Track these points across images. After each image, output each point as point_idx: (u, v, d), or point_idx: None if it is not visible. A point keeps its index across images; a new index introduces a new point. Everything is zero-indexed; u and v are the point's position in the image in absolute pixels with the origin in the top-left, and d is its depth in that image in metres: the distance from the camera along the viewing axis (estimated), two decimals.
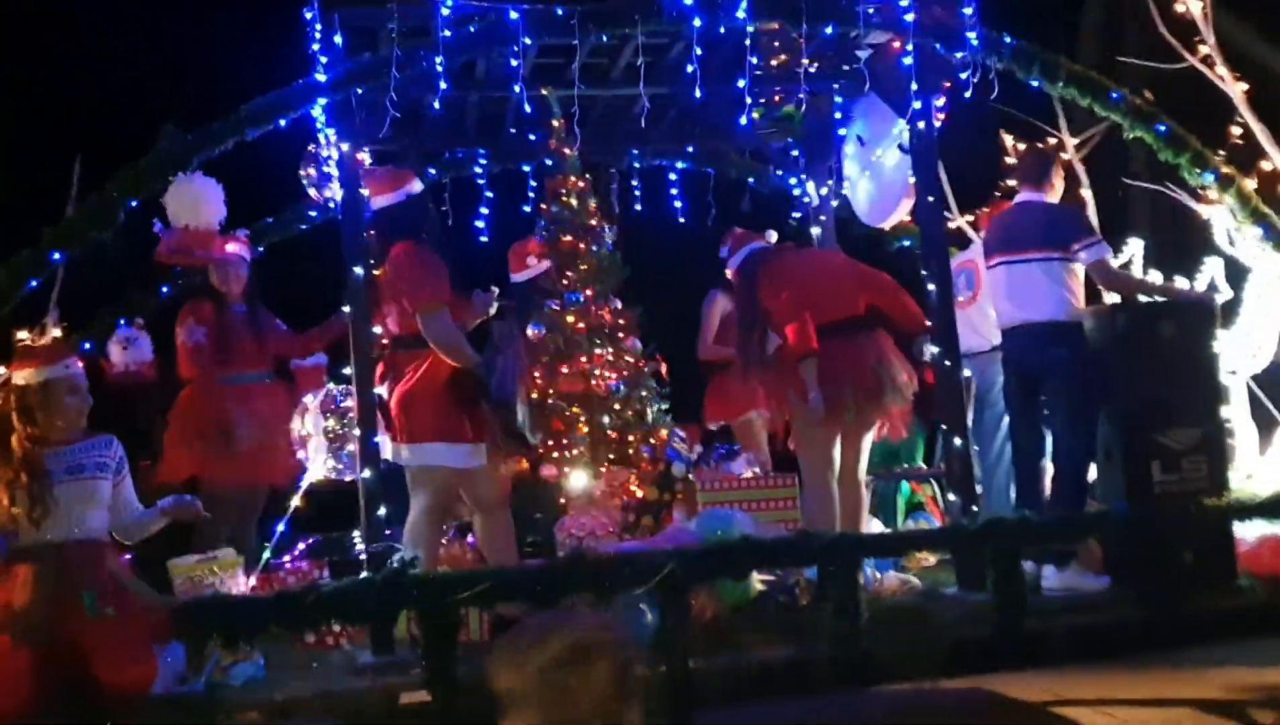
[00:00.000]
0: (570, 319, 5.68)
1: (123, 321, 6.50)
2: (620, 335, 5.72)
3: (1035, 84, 5.31)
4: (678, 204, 7.21)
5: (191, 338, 5.69)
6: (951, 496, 5.50)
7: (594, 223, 5.76)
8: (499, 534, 5.17)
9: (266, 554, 5.29)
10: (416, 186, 5.05)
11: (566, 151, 5.72)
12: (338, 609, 4.39)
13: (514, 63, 4.69)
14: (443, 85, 4.75)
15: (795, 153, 6.98)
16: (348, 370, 5.75)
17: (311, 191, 6.62)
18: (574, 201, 5.69)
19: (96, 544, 4.23)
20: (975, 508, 5.45)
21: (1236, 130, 5.84)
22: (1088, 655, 5.23)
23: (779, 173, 7.12)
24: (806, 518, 5.46)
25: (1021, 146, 6.84)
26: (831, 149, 6.61)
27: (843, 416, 5.48)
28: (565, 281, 5.71)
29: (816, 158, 6.73)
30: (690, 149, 6.96)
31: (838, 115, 6.48)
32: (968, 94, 5.21)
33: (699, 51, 4.96)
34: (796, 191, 7.09)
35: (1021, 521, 5.06)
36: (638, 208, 7.02)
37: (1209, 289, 6.05)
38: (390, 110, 4.73)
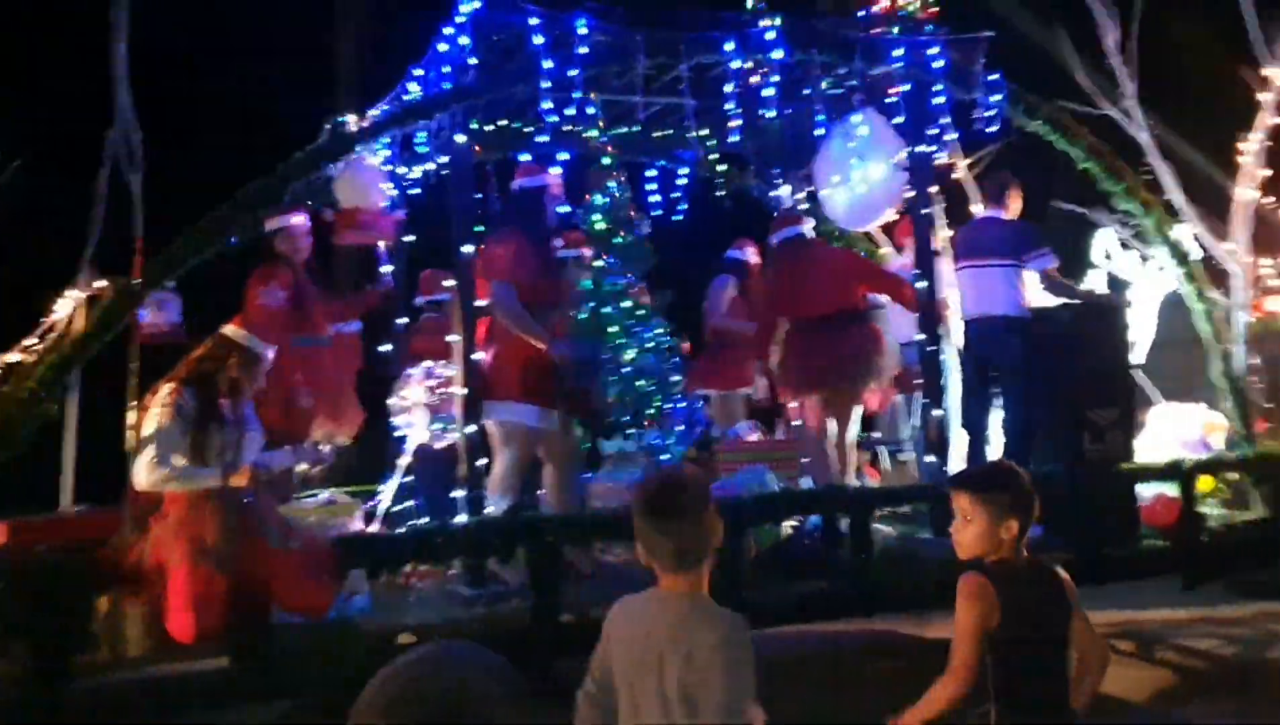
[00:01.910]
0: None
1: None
2: (650, 316, 6.52)
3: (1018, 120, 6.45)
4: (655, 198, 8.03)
5: (273, 300, 6.03)
6: (930, 458, 6.56)
7: (631, 214, 6.53)
8: (567, 487, 5.95)
9: (386, 503, 5.86)
10: (543, 180, 5.79)
11: (610, 149, 6.48)
12: (466, 545, 5.09)
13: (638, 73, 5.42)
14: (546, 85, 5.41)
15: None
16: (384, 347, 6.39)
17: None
18: (616, 195, 6.45)
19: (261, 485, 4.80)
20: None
21: (1146, 168, 7.13)
22: None
23: (754, 177, 8.07)
24: (810, 476, 6.49)
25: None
26: (808, 159, 7.63)
27: (825, 393, 6.57)
28: (605, 266, 6.47)
29: (793, 166, 7.74)
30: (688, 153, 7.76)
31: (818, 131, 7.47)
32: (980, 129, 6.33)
33: (777, 77, 5.82)
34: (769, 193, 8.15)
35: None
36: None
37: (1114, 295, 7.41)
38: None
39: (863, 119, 6.74)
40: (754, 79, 6.54)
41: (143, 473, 4.46)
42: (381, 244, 6.73)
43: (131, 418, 4.76)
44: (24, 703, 4.25)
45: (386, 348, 7.01)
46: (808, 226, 7.03)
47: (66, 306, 6.07)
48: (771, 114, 6.17)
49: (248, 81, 11.42)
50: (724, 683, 2.55)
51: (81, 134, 6.27)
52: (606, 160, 6.45)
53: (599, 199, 6.43)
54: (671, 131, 6.78)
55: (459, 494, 5.58)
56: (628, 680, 2.63)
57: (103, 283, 6.15)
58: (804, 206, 7.82)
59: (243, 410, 4.68)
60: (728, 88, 6.05)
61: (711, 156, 7.73)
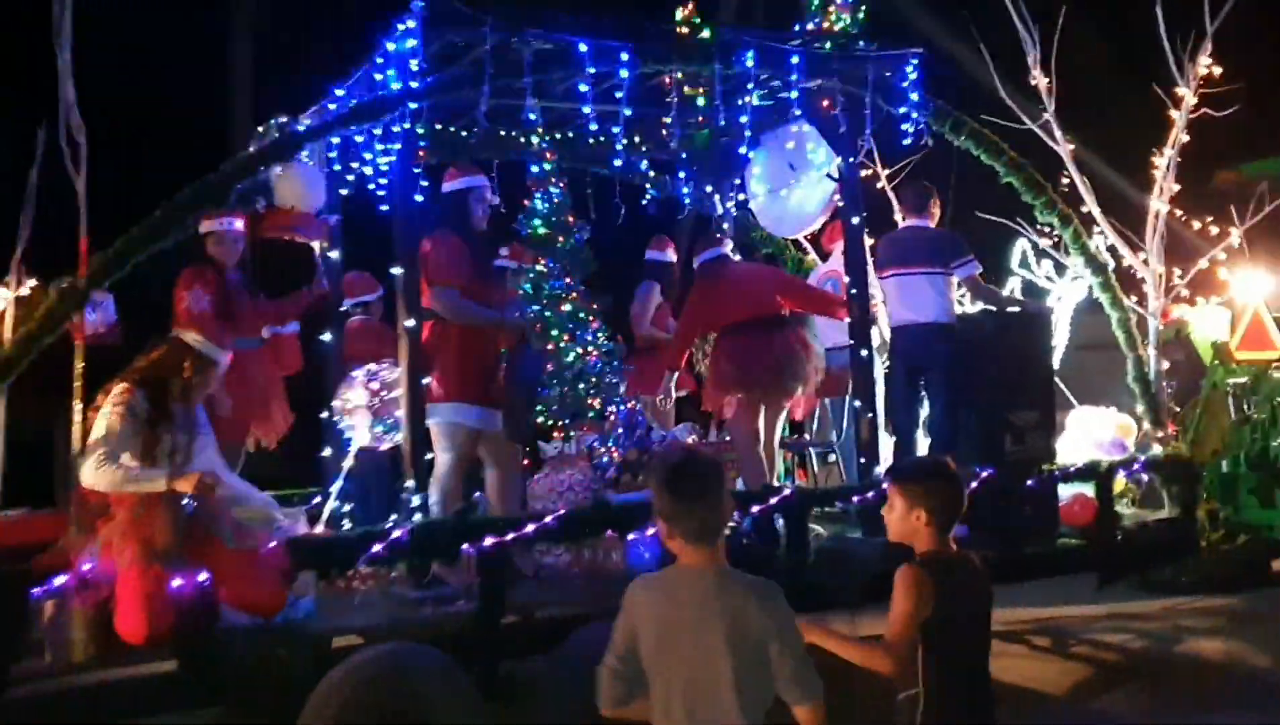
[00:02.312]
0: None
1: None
2: (590, 319, 6.61)
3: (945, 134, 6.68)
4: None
5: (198, 305, 5.98)
6: (863, 458, 6.74)
7: (570, 219, 6.61)
8: (509, 488, 6.02)
9: (333, 504, 5.85)
10: (471, 181, 5.85)
11: (549, 155, 6.55)
12: (415, 547, 5.12)
13: (582, 87, 5.53)
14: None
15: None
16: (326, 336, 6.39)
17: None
18: (556, 200, 6.52)
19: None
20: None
21: (1064, 181, 7.43)
22: None
23: (687, 184, 8.22)
24: (743, 478, 6.63)
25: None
26: (737, 168, 7.80)
27: (756, 396, 6.73)
28: (545, 271, 6.55)
29: (724, 174, 7.90)
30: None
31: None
32: (905, 141, 6.54)
33: (704, 89, 5.97)
34: (688, 201, 8.30)
35: None
36: None
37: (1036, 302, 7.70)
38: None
39: (796, 130, 6.91)
40: (688, 89, 6.68)
41: (91, 472, 4.44)
42: (317, 246, 6.73)
43: (78, 419, 4.70)
44: None
45: (326, 340, 6.98)
46: (728, 246, 7.20)
47: None
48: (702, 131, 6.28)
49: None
50: (791, 654, 2.74)
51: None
52: (546, 165, 6.52)
53: (539, 204, 6.51)
54: (604, 139, 6.86)
55: (403, 496, 5.60)
56: (662, 654, 2.76)
57: (32, 283, 6.06)
58: (735, 213, 8.00)
59: (195, 414, 4.68)
60: (669, 99, 6.16)
61: (644, 164, 7.86)
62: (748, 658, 2.73)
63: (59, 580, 4.42)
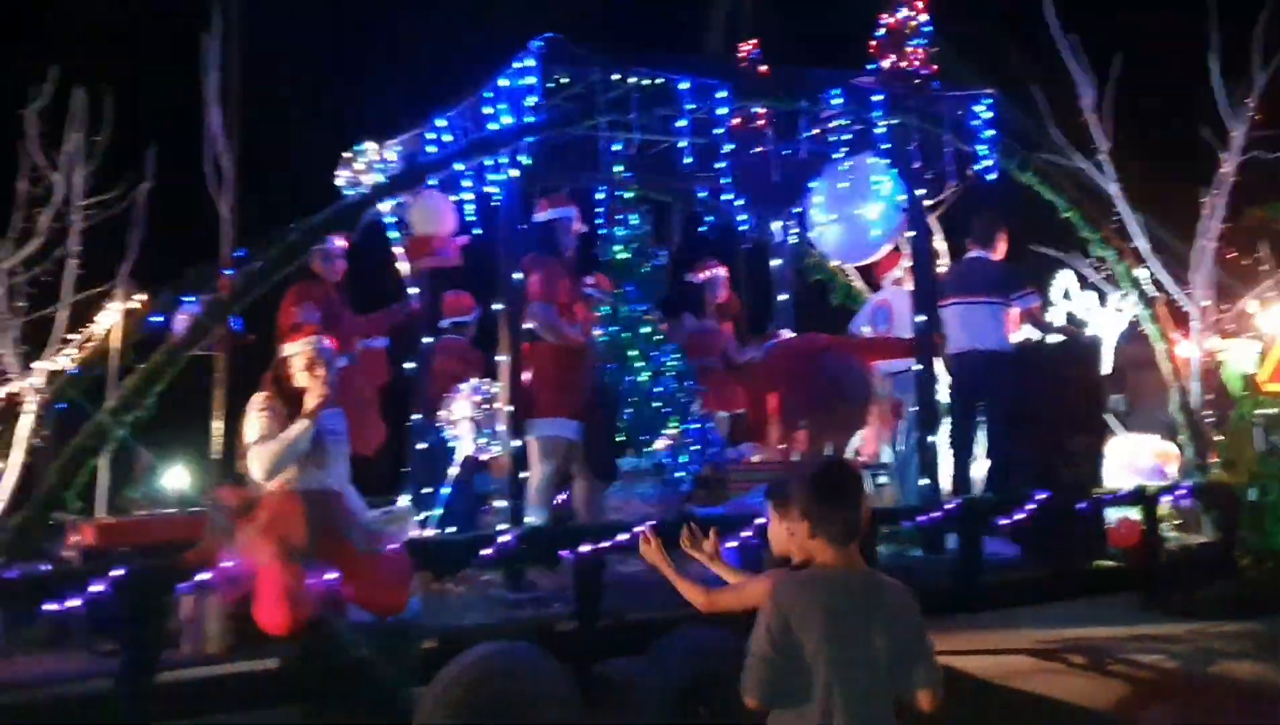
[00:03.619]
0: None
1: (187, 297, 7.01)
2: (664, 341, 6.92)
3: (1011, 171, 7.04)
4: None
5: (308, 317, 6.18)
6: (924, 480, 7.05)
7: (649, 245, 6.93)
8: (593, 498, 6.34)
9: (439, 511, 6.16)
10: (561, 212, 6.21)
11: (629, 184, 6.89)
12: (521, 551, 5.42)
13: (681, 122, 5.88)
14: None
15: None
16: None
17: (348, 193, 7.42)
18: (636, 226, 6.85)
19: (343, 494, 5.09)
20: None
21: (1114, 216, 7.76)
22: (1016, 600, 7.05)
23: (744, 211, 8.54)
24: None
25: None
26: (798, 197, 8.14)
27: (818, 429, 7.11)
28: (624, 294, 6.87)
29: (783, 202, 8.24)
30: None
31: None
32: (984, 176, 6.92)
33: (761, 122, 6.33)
34: (743, 228, 8.64)
35: (984, 500, 6.73)
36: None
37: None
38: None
39: (866, 162, 7.26)
40: (759, 122, 7.03)
41: (256, 463, 4.76)
42: (407, 267, 7.03)
43: (219, 426, 4.99)
44: (117, 695, 4.46)
45: (411, 365, 7.30)
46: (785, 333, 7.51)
47: (109, 318, 6.28)
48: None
49: None
50: (926, 645, 3.03)
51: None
52: (630, 194, 6.85)
53: (620, 231, 6.84)
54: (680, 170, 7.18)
55: (501, 504, 5.90)
56: (829, 644, 2.99)
57: (142, 297, 6.39)
58: (794, 241, 8.33)
59: (322, 418, 4.97)
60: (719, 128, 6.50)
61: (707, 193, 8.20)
62: (899, 645, 3.01)
63: (201, 576, 4.71)
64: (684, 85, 5.88)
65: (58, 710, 4.51)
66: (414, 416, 7.26)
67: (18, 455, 4.51)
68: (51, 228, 4.55)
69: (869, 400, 7.18)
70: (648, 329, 6.76)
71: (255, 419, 4.81)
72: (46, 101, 4.61)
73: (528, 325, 6.27)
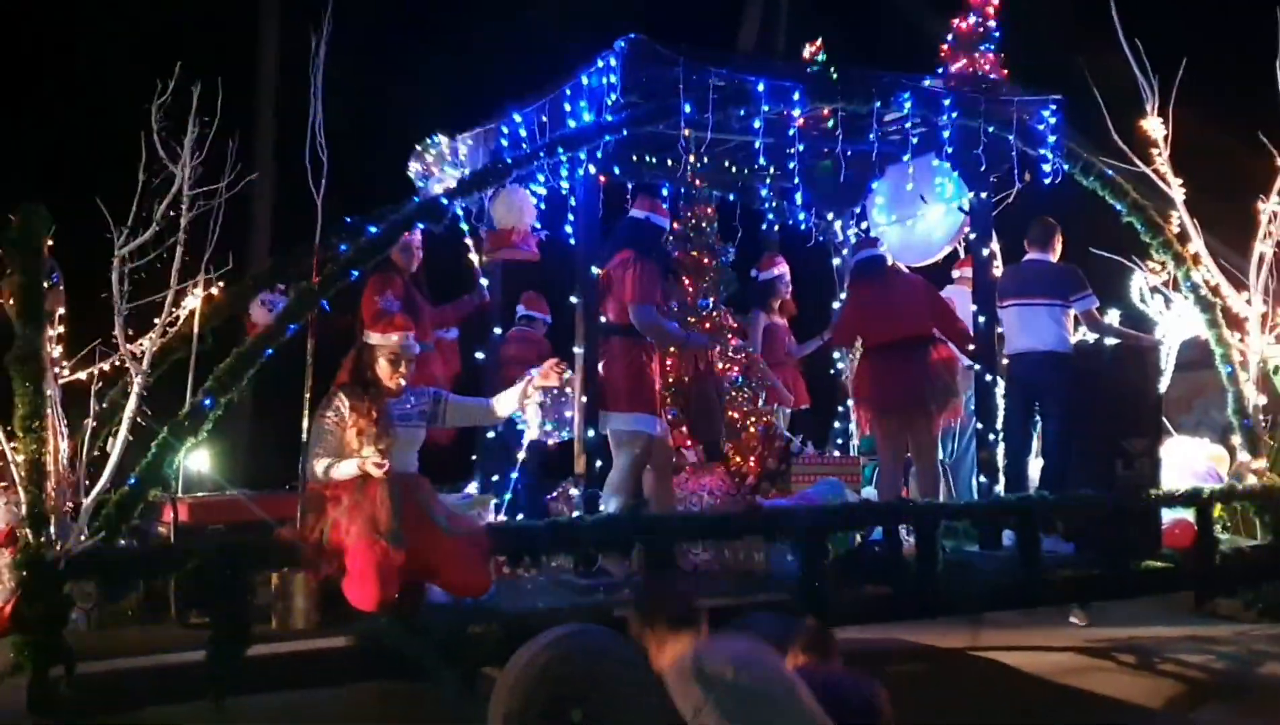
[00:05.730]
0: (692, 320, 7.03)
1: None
2: (731, 337, 7.08)
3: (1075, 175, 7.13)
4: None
5: (390, 307, 6.43)
6: (983, 478, 7.16)
7: (716, 242, 7.09)
8: (666, 491, 6.49)
9: (509, 496, 6.34)
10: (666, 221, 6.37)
11: (699, 182, 7.04)
12: (596, 537, 5.58)
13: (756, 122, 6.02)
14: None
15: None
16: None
17: (419, 185, 7.61)
18: (704, 224, 7.00)
19: (422, 478, 5.27)
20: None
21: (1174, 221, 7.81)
22: (1073, 597, 7.15)
23: (806, 210, 8.68)
24: (879, 491, 7.09)
25: None
26: (860, 197, 8.26)
27: (890, 417, 7.17)
28: (692, 290, 7.03)
29: (846, 202, 8.37)
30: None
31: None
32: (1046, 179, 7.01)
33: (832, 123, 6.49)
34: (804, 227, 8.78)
35: (1042, 499, 6.82)
36: None
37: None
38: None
39: (924, 163, 7.37)
40: (827, 123, 7.14)
41: (310, 467, 4.97)
42: (478, 259, 7.21)
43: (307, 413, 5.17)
44: (209, 666, 4.65)
45: (481, 356, 7.48)
46: (883, 248, 7.59)
47: (192, 303, 6.46)
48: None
49: None
50: None
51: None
52: (699, 191, 7.01)
53: (689, 228, 7.01)
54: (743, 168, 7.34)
55: (574, 493, 6.06)
56: None
57: (221, 284, 6.57)
58: (853, 240, 8.45)
59: (394, 407, 5.16)
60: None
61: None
62: None
63: (291, 554, 4.90)
64: (760, 86, 6.01)
65: (149, 681, 4.70)
66: None
67: (123, 433, 4.68)
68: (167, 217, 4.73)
69: (955, 395, 7.27)
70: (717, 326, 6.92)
71: (319, 428, 5.05)
72: (167, 98, 4.78)
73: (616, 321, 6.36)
